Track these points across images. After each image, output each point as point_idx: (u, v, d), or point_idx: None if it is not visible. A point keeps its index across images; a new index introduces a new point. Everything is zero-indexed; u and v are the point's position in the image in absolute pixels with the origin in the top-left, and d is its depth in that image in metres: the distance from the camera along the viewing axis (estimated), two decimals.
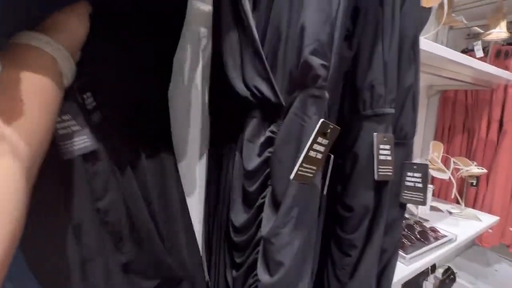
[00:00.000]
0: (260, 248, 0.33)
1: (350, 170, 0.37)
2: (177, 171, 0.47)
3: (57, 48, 0.28)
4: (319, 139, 0.32)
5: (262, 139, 0.38)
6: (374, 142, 0.35)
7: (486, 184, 1.23)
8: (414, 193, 0.41)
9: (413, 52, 0.38)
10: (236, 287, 0.38)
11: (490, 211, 1.20)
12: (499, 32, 0.98)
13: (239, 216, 0.38)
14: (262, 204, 0.37)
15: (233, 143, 0.45)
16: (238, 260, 0.38)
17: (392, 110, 0.36)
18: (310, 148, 0.30)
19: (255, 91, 0.37)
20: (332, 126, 0.32)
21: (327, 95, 0.31)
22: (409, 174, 0.40)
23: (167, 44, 0.47)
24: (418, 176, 0.40)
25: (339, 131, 0.33)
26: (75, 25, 0.30)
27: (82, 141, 0.35)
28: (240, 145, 0.42)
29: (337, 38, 0.29)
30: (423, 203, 0.39)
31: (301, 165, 0.31)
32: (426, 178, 0.39)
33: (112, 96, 0.39)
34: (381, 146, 0.35)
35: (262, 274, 0.32)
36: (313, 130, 0.30)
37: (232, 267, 0.39)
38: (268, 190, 0.35)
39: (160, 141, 0.46)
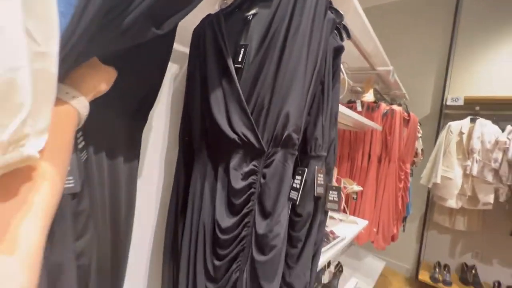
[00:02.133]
0: (253, 240, 0.49)
1: (302, 190, 0.58)
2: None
3: (79, 101, 0.33)
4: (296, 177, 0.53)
5: (246, 169, 0.54)
6: (315, 172, 0.58)
7: (360, 197, 1.74)
8: (332, 204, 0.65)
9: (335, 118, 0.64)
10: (217, 272, 0.52)
11: (363, 217, 1.69)
12: (368, 97, 1.49)
13: (225, 221, 0.53)
14: (246, 213, 0.53)
15: (214, 167, 0.60)
16: (222, 253, 0.52)
17: (325, 153, 0.60)
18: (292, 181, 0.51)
19: (242, 136, 0.54)
20: (301, 169, 0.54)
21: (297, 152, 0.52)
22: (331, 192, 0.65)
23: (151, 94, 0.52)
24: (335, 193, 0.65)
25: (305, 171, 0.54)
26: (94, 78, 0.37)
27: (72, 181, 0.36)
28: (222, 170, 0.57)
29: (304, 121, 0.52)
30: (338, 210, 0.64)
31: (289, 192, 0.51)
32: (340, 194, 0.64)
33: (96, 137, 0.42)
34: (319, 175, 0.58)
35: (257, 256, 0.48)
36: (291, 171, 0.51)
37: (215, 259, 0.53)
38: (255, 204, 0.51)
39: (131, 176, 0.49)
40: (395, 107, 1.71)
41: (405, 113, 1.79)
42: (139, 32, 0.34)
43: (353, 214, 1.69)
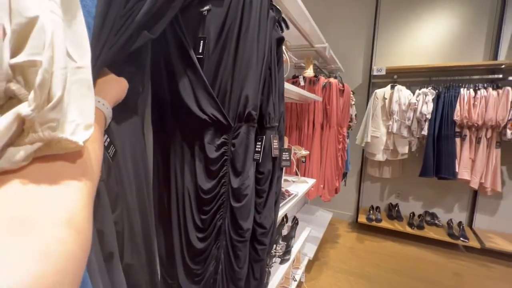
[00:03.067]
0: (230, 193, 0.65)
1: (262, 153, 0.74)
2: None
3: (106, 107, 0.41)
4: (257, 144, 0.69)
5: (218, 142, 0.68)
6: (271, 139, 0.75)
7: (308, 160, 2.03)
8: (285, 162, 0.84)
9: (282, 95, 0.81)
10: (205, 223, 0.67)
11: (312, 177, 1.99)
12: (309, 73, 1.70)
13: (206, 184, 0.67)
14: (222, 175, 0.68)
15: (190, 144, 0.72)
16: (206, 208, 0.67)
17: (277, 124, 0.77)
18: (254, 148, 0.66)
19: (212, 116, 0.66)
20: (260, 137, 0.70)
21: (256, 125, 0.68)
22: (284, 153, 0.84)
23: (145, 91, 0.60)
24: (287, 154, 0.84)
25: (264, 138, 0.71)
26: (115, 90, 0.44)
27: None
28: (198, 145, 0.70)
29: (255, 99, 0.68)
30: (289, 165, 0.83)
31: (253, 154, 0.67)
32: (290, 154, 0.83)
33: (116, 133, 0.50)
34: (274, 141, 0.75)
35: (234, 203, 0.64)
36: (253, 139, 0.66)
37: (202, 214, 0.68)
38: (229, 167, 0.66)
39: (144, 160, 0.58)
40: (331, 80, 1.98)
41: (340, 85, 2.07)
42: (138, 39, 0.42)
43: (304, 175, 1.98)
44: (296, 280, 1.77)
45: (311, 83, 1.99)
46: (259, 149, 0.71)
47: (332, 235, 2.76)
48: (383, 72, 2.55)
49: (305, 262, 1.97)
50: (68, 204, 0.21)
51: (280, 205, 1.26)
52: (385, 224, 2.70)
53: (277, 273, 1.49)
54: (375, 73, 2.61)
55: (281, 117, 0.81)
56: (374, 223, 2.73)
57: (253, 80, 0.64)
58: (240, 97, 0.64)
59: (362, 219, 2.83)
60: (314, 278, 2.04)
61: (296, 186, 1.70)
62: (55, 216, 0.19)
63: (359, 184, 3.03)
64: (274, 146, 0.76)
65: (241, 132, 0.66)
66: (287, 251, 1.69)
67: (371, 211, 2.87)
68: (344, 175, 2.53)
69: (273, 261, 1.52)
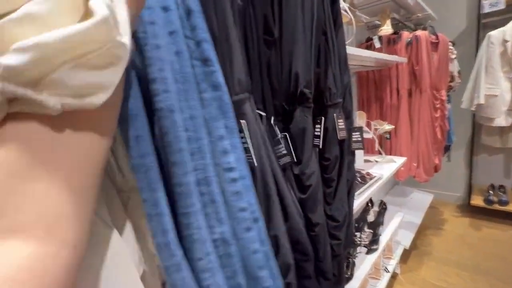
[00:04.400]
0: (295, 183, 0.58)
1: (324, 136, 0.63)
2: None
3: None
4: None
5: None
6: (334, 119, 0.62)
7: (395, 136, 1.72)
8: (357, 144, 0.70)
9: (345, 64, 0.66)
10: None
11: (400, 155, 1.68)
12: (386, 29, 1.40)
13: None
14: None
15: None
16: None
17: (341, 100, 0.64)
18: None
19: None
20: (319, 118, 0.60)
21: (312, 104, 0.58)
22: (353, 134, 0.69)
23: None
24: (357, 134, 0.69)
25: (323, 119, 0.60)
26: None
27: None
28: None
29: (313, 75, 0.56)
30: (362, 148, 0.69)
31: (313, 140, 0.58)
32: (361, 134, 0.68)
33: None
34: (339, 121, 0.63)
35: (300, 195, 0.57)
36: (311, 122, 0.57)
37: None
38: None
39: None
40: (419, 32, 1.58)
41: (432, 36, 1.64)
42: None
43: (390, 154, 1.70)
44: (388, 271, 1.57)
45: (390, 43, 1.65)
46: (319, 133, 0.60)
47: (434, 220, 2.33)
48: (501, 6, 1.88)
49: (399, 252, 1.73)
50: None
51: (360, 190, 1.10)
52: None
53: (364, 263, 1.35)
54: (487, 10, 1.95)
55: (347, 90, 0.66)
56: (496, 206, 2.15)
57: (301, 51, 0.54)
58: (290, 74, 0.55)
59: (477, 201, 2.27)
60: (412, 270, 1.77)
61: (381, 167, 1.47)
62: None
63: (470, 158, 2.42)
64: (340, 127, 0.63)
65: (296, 116, 0.57)
66: (375, 240, 1.51)
67: (491, 191, 2.27)
68: (447, 148, 2.06)
69: (358, 251, 1.38)
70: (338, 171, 0.66)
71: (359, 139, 0.68)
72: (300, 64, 0.54)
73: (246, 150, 0.42)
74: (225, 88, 0.36)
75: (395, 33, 1.59)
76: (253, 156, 0.43)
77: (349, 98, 0.67)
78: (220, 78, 0.35)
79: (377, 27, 1.72)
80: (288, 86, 0.56)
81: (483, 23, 2.14)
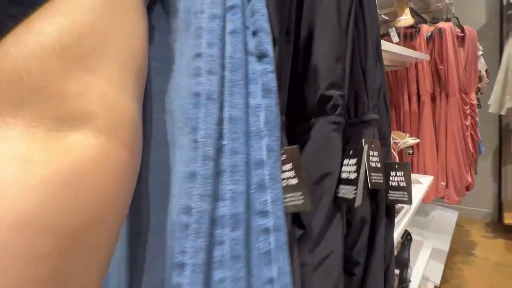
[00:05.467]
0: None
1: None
2: None
3: None
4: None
5: None
6: (364, 149, 0.34)
7: (417, 149, 1.42)
8: (398, 192, 0.41)
9: (377, 51, 0.38)
10: None
11: (424, 172, 1.39)
12: (405, 19, 1.12)
13: None
14: None
15: None
16: None
17: (376, 116, 0.35)
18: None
19: None
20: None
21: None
22: (392, 173, 0.40)
23: None
24: (400, 175, 0.40)
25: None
26: None
27: None
28: None
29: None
30: (409, 202, 0.40)
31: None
32: (409, 176, 0.39)
33: None
34: (372, 153, 0.34)
35: None
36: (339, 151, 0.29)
37: None
38: None
39: None
40: (442, 24, 1.30)
41: (458, 29, 1.36)
42: None
43: (413, 172, 1.40)
44: None
45: (406, 38, 1.37)
46: (351, 175, 0.32)
47: (462, 243, 2.00)
48: None
49: None
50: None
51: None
52: None
53: None
54: None
55: (380, 96, 0.38)
56: None
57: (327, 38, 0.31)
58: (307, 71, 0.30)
59: (511, 219, 1.95)
60: None
61: None
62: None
63: (499, 169, 2.11)
64: (372, 165, 0.35)
65: (314, 135, 0.32)
66: (402, 281, 1.20)
67: None
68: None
69: None
70: (368, 245, 0.37)
71: (403, 184, 0.39)
72: (322, 50, 0.32)
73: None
74: (276, 96, 0.26)
75: (413, 26, 1.32)
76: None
77: (384, 111, 0.39)
78: (274, 82, 0.26)
79: (389, 22, 1.45)
80: (302, 88, 0.29)
81: (507, 15, 1.86)
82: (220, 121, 0.24)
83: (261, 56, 0.26)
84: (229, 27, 0.25)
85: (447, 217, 2.01)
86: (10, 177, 0.11)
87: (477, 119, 1.50)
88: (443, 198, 1.44)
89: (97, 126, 0.14)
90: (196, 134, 0.23)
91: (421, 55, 1.17)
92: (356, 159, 0.32)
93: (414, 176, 1.32)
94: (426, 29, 1.33)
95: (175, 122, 0.25)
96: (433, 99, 1.38)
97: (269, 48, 0.26)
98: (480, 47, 1.65)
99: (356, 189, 0.32)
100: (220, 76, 0.25)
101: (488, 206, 2.21)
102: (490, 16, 1.97)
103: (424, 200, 1.46)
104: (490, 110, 1.81)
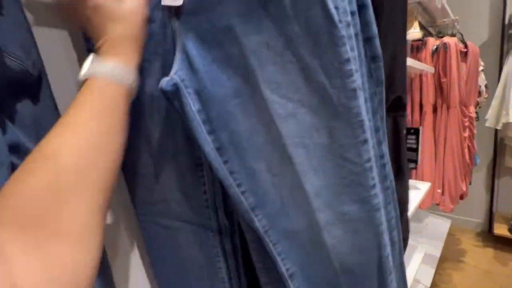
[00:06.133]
0: None
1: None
2: None
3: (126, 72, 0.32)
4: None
5: None
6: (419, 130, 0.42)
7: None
8: (410, 152, 0.47)
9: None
10: None
11: (422, 179, 1.45)
12: (414, 33, 1.18)
13: None
14: None
15: None
16: None
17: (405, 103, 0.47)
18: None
19: None
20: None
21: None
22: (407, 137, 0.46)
23: None
24: (413, 138, 0.46)
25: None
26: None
27: None
28: None
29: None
30: (417, 162, 0.46)
31: None
32: (418, 140, 0.45)
33: None
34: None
35: None
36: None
37: None
38: None
39: None
40: (447, 39, 1.37)
41: (461, 45, 1.43)
42: None
43: (411, 178, 1.46)
44: None
45: (413, 50, 1.43)
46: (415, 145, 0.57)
47: (453, 250, 2.07)
48: None
49: None
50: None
51: None
52: None
53: None
54: None
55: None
56: None
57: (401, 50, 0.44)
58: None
59: (501, 230, 2.03)
60: None
61: None
62: None
63: (492, 181, 2.18)
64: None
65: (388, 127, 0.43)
66: None
67: None
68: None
69: None
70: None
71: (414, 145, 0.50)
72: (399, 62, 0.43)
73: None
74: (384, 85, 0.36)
75: (420, 39, 1.38)
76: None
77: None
78: (383, 74, 0.35)
79: None
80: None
81: (509, 34, 1.94)
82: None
83: (374, 57, 0.34)
84: (353, 30, 0.30)
85: (440, 225, 2.08)
86: None
87: (475, 131, 1.57)
88: (438, 205, 1.50)
89: (71, 240, 0.20)
90: (360, 116, 0.31)
91: (426, 67, 1.23)
92: (415, 135, 0.47)
93: (412, 182, 1.38)
94: (432, 42, 1.40)
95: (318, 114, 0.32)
96: (434, 110, 1.44)
97: (380, 50, 0.34)
98: (482, 63, 1.72)
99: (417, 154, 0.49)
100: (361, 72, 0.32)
101: (480, 217, 2.29)
102: (492, 34, 2.04)
103: (420, 206, 1.52)
104: (487, 124, 1.88)
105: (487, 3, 2.03)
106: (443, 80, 1.38)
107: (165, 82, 0.32)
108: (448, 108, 1.40)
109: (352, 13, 0.29)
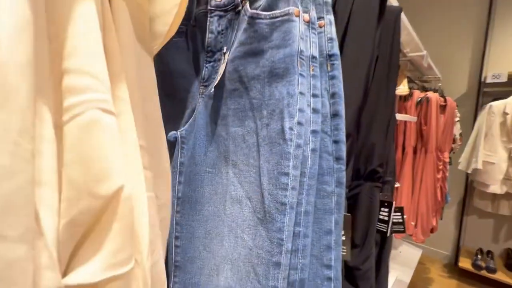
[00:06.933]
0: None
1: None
2: None
3: None
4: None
5: None
6: (393, 203, 0.57)
7: (396, 191, 1.68)
8: (383, 224, 0.64)
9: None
10: None
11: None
12: (403, 89, 1.40)
13: None
14: None
15: None
16: None
17: (390, 178, 0.59)
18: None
19: None
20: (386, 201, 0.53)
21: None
22: (394, 214, 0.63)
23: None
24: (386, 211, 0.63)
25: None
26: None
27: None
28: None
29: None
30: (387, 233, 0.62)
31: None
32: (391, 212, 0.62)
33: None
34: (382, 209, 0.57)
35: None
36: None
37: None
38: None
39: None
40: (430, 94, 1.61)
41: (441, 99, 1.67)
42: None
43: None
44: None
45: (400, 99, 1.66)
46: (386, 217, 0.54)
47: (422, 278, 2.26)
48: (503, 79, 1.98)
49: None
50: None
51: None
52: (502, 276, 2.06)
53: None
54: (489, 80, 2.05)
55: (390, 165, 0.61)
56: (484, 273, 2.12)
57: (381, 118, 0.49)
58: (363, 145, 0.48)
59: (465, 263, 2.24)
60: None
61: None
62: None
63: (460, 218, 2.42)
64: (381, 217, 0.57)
65: (362, 195, 0.50)
66: None
67: (479, 256, 2.25)
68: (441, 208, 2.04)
69: None
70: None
71: (400, 220, 0.62)
72: (379, 134, 0.47)
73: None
74: (345, 186, 0.38)
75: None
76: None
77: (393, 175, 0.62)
78: (344, 178, 0.38)
79: None
80: (356, 159, 0.49)
81: (483, 91, 2.23)
82: (299, 214, 0.33)
83: (338, 159, 0.37)
84: (311, 146, 0.34)
85: (412, 253, 2.28)
86: None
87: (447, 174, 1.79)
88: (411, 235, 1.69)
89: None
90: (282, 234, 0.31)
91: (410, 118, 1.45)
92: (387, 209, 0.54)
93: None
94: (417, 94, 1.63)
95: (256, 212, 0.33)
96: (414, 151, 1.66)
97: (344, 154, 0.37)
98: (458, 114, 1.97)
99: (387, 226, 0.56)
100: (299, 190, 0.33)
101: (447, 249, 2.51)
102: (469, 89, 2.33)
103: (395, 236, 1.71)
104: (460, 167, 2.13)
105: (468, 62, 2.33)
106: (424, 127, 1.60)
107: (173, 134, 0.40)
108: (426, 152, 1.62)
109: (314, 131, 0.34)
